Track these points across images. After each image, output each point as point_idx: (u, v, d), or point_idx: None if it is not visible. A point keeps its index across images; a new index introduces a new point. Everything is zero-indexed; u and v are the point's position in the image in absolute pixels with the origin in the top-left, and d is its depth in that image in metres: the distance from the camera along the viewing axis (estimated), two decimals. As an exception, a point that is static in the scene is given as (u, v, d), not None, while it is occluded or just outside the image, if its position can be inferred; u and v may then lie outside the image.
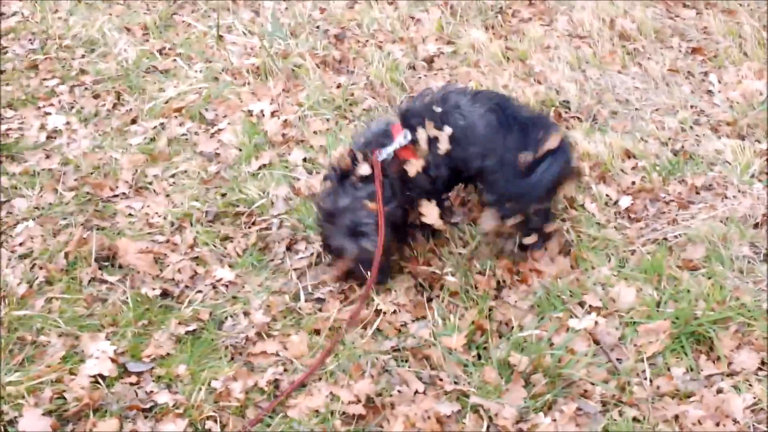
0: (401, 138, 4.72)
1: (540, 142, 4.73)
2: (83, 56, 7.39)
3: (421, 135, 4.72)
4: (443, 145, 4.71)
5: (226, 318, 4.73)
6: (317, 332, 4.61)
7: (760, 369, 4.27)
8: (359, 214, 4.68)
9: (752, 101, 6.45)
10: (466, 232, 5.11)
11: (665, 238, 5.13)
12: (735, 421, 3.96)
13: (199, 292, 4.91)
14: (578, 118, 6.32)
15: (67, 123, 6.51)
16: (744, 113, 6.32)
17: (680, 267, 4.87)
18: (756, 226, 5.19)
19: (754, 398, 4.07)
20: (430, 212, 4.80)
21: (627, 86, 6.74)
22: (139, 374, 4.36)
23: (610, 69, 6.94)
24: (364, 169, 4.69)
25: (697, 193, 5.52)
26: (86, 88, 6.98)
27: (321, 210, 4.82)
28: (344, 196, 4.73)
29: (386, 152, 4.71)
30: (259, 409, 4.16)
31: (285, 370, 4.38)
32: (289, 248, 5.19)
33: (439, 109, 4.77)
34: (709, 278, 4.76)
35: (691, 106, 6.48)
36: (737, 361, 4.29)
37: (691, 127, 6.20)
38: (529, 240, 4.90)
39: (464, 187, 5.24)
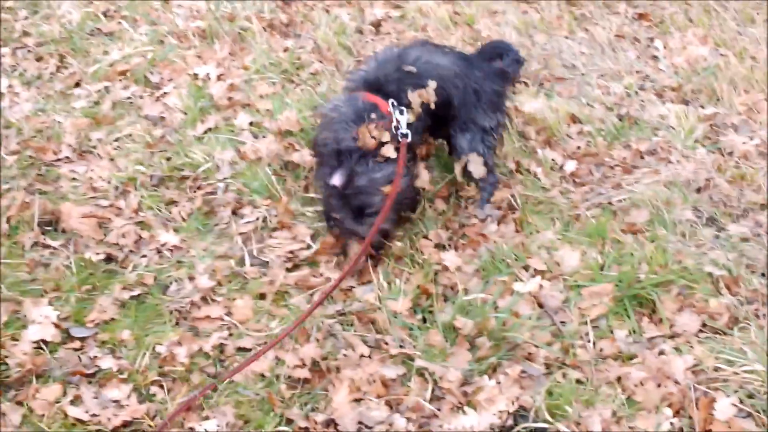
0: (395, 110, 4.71)
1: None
2: (26, 18, 7.29)
3: (414, 98, 4.72)
4: (432, 98, 4.74)
5: (171, 282, 4.70)
6: (262, 296, 4.59)
7: (701, 331, 4.31)
8: (374, 199, 4.61)
9: (696, 67, 6.49)
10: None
11: (609, 203, 5.17)
12: (676, 382, 4.00)
13: (144, 256, 4.87)
14: (525, 83, 6.34)
15: (9, 86, 6.43)
16: (688, 79, 6.36)
17: (624, 231, 4.91)
18: (699, 190, 5.24)
19: (695, 360, 4.11)
20: (423, 176, 4.83)
21: (573, 51, 6.76)
22: (82, 339, 4.32)
23: (556, 34, 6.96)
24: (390, 151, 4.63)
25: (642, 157, 5.56)
26: (29, 51, 6.89)
27: (330, 188, 4.64)
28: (362, 176, 4.59)
29: (405, 130, 4.70)
30: (204, 373, 4.15)
31: (230, 334, 4.37)
32: (234, 212, 5.16)
33: (412, 69, 4.80)
34: (652, 242, 4.80)
35: (637, 72, 6.52)
36: (679, 323, 4.34)
37: (636, 93, 6.24)
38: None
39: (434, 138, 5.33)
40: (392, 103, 4.71)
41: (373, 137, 4.56)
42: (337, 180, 4.53)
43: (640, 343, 4.27)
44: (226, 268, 4.76)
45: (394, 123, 4.66)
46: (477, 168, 4.96)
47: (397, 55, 4.93)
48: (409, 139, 4.67)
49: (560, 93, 6.21)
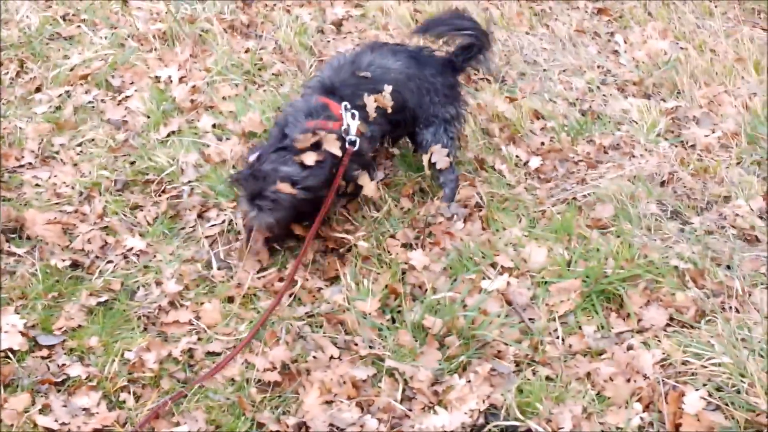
0: (347, 114, 4.72)
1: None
2: (-17, 23, 7.23)
3: (369, 102, 4.74)
4: (389, 104, 4.78)
5: (138, 288, 4.68)
6: (230, 300, 4.58)
7: (668, 325, 4.35)
8: (268, 186, 4.57)
9: (657, 61, 6.55)
10: (381, 194, 5.12)
11: (575, 198, 5.20)
12: (645, 377, 4.03)
13: (110, 262, 4.84)
14: (487, 80, 6.35)
15: (-31, 92, 6.37)
16: (649, 73, 6.41)
17: (590, 226, 4.94)
18: (663, 184, 5.29)
19: (663, 354, 4.14)
20: (367, 184, 4.82)
21: (535, 47, 6.79)
22: (50, 347, 4.29)
23: (517, 30, 6.99)
24: (309, 158, 4.59)
25: (605, 152, 5.60)
26: (-12, 56, 6.83)
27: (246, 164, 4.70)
28: (270, 163, 4.60)
29: (354, 137, 4.71)
30: (173, 378, 4.13)
31: (199, 339, 4.35)
32: (200, 216, 5.14)
33: (366, 74, 4.84)
34: (618, 236, 4.83)
35: (598, 67, 6.56)
36: (646, 317, 4.37)
37: (598, 87, 6.29)
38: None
39: (392, 143, 5.36)
40: (345, 106, 4.74)
41: (313, 144, 4.61)
42: (251, 156, 4.62)
43: (609, 339, 4.30)
44: (194, 272, 4.75)
45: (344, 126, 4.70)
46: (441, 159, 5.00)
47: (351, 61, 4.97)
48: (356, 147, 4.70)
49: (522, 89, 6.24)
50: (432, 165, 5.02)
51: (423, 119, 5.07)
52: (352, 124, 4.71)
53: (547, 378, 4.09)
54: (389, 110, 4.79)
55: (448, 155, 5.04)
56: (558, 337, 4.30)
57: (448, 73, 5.18)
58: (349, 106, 4.74)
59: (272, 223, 4.65)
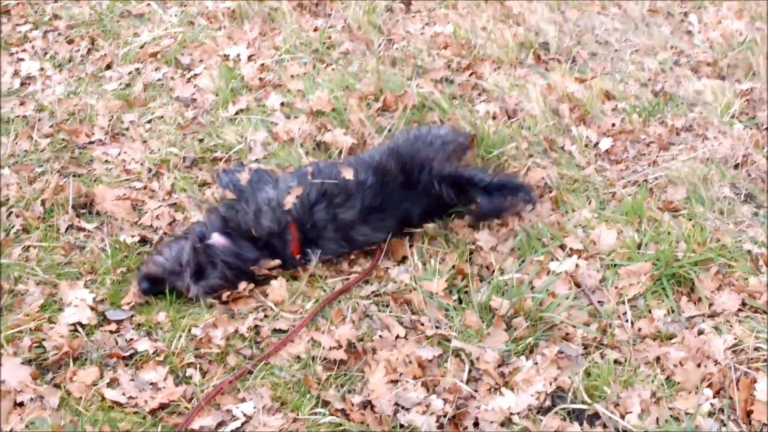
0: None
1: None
2: (56, 0, 7.29)
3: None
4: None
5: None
6: (295, 278, 4.59)
7: (740, 310, 4.27)
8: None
9: (732, 41, 6.42)
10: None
11: (646, 180, 5.12)
12: (716, 362, 3.97)
13: (178, 238, 4.87)
14: (558, 60, 6.28)
15: (41, 69, 6.44)
16: (724, 53, 6.29)
17: (661, 209, 4.86)
18: (736, 166, 5.19)
19: (735, 339, 4.07)
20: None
21: (606, 27, 6.69)
22: (118, 322, 4.33)
23: (589, 10, 6.89)
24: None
25: (678, 134, 5.51)
26: (60, 34, 6.89)
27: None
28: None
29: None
30: (239, 355, 4.15)
31: (265, 316, 4.36)
32: (268, 193, 5.15)
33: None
34: (690, 220, 4.76)
35: (671, 47, 6.45)
36: (718, 302, 4.30)
37: (671, 68, 6.18)
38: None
39: None
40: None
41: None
42: (214, 239, 4.55)
43: (679, 323, 4.23)
44: (260, 249, 4.75)
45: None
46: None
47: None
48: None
49: (594, 69, 6.15)
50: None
51: None
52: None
53: (616, 361, 4.03)
54: None
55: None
56: (627, 321, 4.24)
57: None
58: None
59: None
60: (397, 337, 4.19)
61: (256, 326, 4.29)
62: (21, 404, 3.84)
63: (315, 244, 4.62)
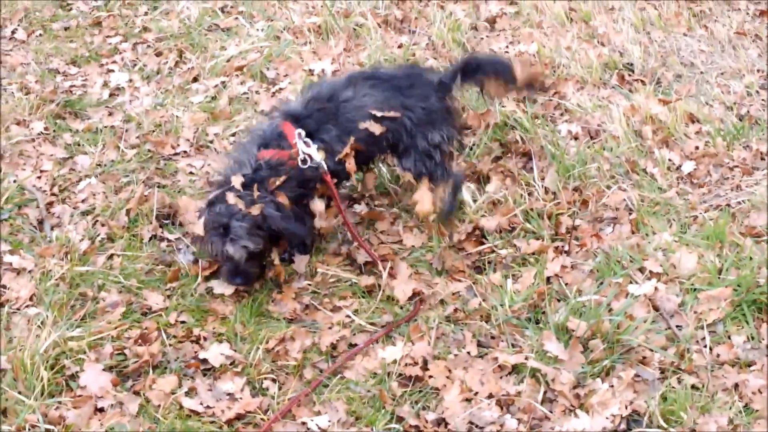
0: (300, 140, 4.66)
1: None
2: (146, 13, 7.44)
3: (332, 134, 4.75)
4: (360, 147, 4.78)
5: (286, 277, 4.74)
6: (370, 292, 4.65)
7: (822, 339, 4.22)
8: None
9: (821, 66, 6.34)
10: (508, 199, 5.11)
11: (728, 204, 5.07)
12: (796, 392, 3.93)
13: (259, 251, 4.92)
14: (642, 81, 6.24)
15: (130, 80, 6.57)
16: (812, 78, 6.22)
17: (743, 234, 4.81)
18: (822, 193, 5.12)
19: (816, 369, 4.02)
20: (319, 215, 4.75)
21: (692, 49, 6.63)
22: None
23: (675, 31, 6.83)
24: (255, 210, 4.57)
25: (762, 159, 5.45)
26: (149, 46, 7.03)
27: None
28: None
29: (320, 162, 4.68)
30: (315, 368, 4.19)
31: (343, 336, 4.39)
32: (349, 206, 5.19)
33: (330, 105, 4.80)
34: (772, 246, 4.70)
35: (758, 70, 6.37)
36: (800, 330, 4.25)
37: (757, 92, 6.11)
38: None
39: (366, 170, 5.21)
40: (299, 134, 4.67)
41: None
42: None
43: (759, 350, 4.18)
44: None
45: (301, 156, 4.63)
46: (423, 203, 4.93)
47: (327, 98, 4.85)
48: (324, 169, 4.68)
49: (678, 91, 6.10)
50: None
51: (401, 149, 4.94)
52: (311, 152, 4.65)
53: (693, 387, 4.00)
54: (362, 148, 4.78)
55: (436, 175, 4.94)
56: (705, 346, 4.20)
57: (431, 98, 4.96)
58: (302, 134, 4.67)
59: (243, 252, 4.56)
60: (473, 355, 4.20)
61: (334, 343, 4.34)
62: (101, 410, 3.93)
63: None
